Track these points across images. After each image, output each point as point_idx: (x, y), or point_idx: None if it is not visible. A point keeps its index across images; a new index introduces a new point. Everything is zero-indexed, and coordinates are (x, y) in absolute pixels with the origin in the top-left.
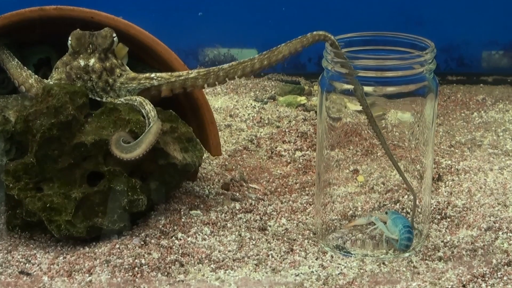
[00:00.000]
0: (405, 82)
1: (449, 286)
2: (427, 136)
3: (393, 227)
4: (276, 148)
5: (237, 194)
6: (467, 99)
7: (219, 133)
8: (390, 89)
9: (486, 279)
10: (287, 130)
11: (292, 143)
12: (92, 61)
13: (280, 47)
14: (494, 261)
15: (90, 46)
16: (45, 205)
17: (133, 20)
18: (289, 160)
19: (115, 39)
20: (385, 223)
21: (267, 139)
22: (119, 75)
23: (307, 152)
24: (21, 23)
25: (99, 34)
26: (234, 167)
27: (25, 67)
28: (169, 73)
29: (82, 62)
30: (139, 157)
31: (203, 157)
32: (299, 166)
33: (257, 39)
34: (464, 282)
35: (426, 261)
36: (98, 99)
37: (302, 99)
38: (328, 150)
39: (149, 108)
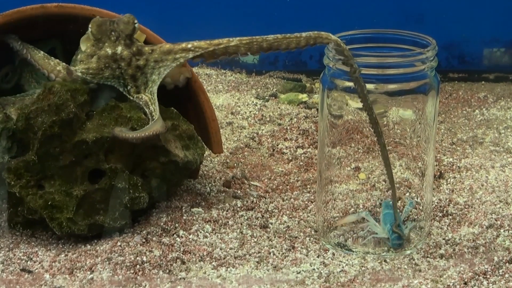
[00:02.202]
0: (406, 80)
1: (451, 284)
2: (429, 134)
3: (383, 225)
4: (277, 145)
5: (239, 191)
6: (468, 96)
7: (221, 130)
8: (392, 87)
9: (488, 276)
10: (288, 127)
11: (293, 141)
12: (119, 48)
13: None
14: (495, 258)
15: (113, 33)
16: (46, 203)
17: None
18: (290, 158)
19: (137, 25)
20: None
21: (268, 137)
22: (150, 51)
23: (308, 150)
24: (23, 21)
25: (121, 20)
26: (235, 164)
27: (52, 57)
28: (208, 42)
29: (109, 51)
30: (142, 138)
31: (205, 155)
32: (301, 163)
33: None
34: (466, 280)
35: (428, 259)
36: (121, 89)
37: (303, 97)
38: (330, 147)
39: (153, 108)
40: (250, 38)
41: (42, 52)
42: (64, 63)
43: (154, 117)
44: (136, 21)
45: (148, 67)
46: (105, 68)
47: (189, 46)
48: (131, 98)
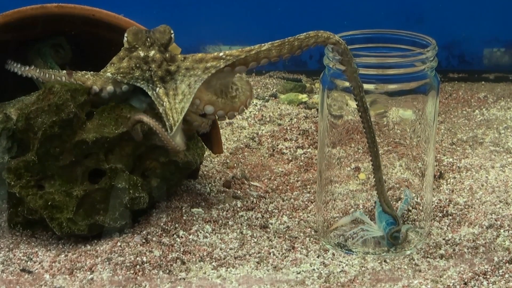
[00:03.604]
0: (406, 80)
1: (451, 284)
2: (429, 134)
3: (378, 223)
4: (277, 145)
5: (239, 192)
6: (468, 96)
7: (221, 131)
8: (392, 87)
9: (488, 276)
10: (288, 127)
11: (293, 141)
12: (152, 52)
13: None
14: (495, 258)
15: (148, 39)
16: (46, 203)
17: (134, 17)
18: (290, 158)
19: (173, 35)
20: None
21: (268, 137)
22: (182, 59)
23: (308, 150)
24: (23, 21)
25: (157, 30)
26: (235, 165)
27: (78, 71)
28: (239, 49)
29: (141, 53)
30: (161, 136)
31: (205, 155)
32: (301, 163)
33: (260, 36)
34: (466, 280)
35: (428, 259)
36: (149, 92)
37: (303, 97)
38: (330, 147)
39: (174, 118)
40: (282, 40)
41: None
42: (92, 72)
43: (172, 130)
44: (172, 32)
45: (179, 73)
46: (135, 68)
47: (221, 54)
48: (158, 104)
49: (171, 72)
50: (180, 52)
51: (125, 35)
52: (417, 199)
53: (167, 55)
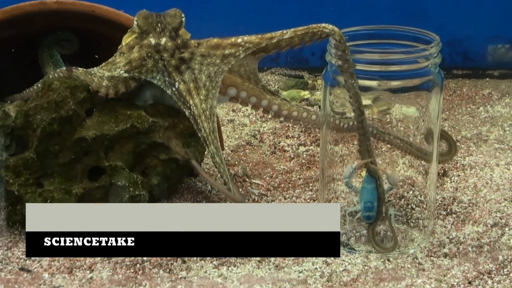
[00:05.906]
0: (410, 76)
1: (455, 283)
2: (433, 131)
3: (360, 198)
4: (279, 143)
5: (240, 190)
6: (473, 93)
7: (222, 128)
8: (395, 83)
9: (492, 275)
10: (290, 125)
11: (295, 138)
12: (163, 40)
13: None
14: (500, 257)
15: (159, 25)
16: (45, 201)
17: (134, 14)
18: (292, 155)
19: (184, 19)
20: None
21: (270, 134)
22: (196, 45)
23: (310, 147)
24: (22, 17)
25: (167, 14)
26: (237, 162)
27: (93, 72)
28: (259, 36)
29: (153, 41)
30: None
31: (205, 152)
32: (303, 161)
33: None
34: (470, 279)
35: (431, 258)
36: (168, 90)
37: (305, 94)
38: (332, 145)
39: (207, 127)
40: (306, 27)
41: (80, 68)
42: (107, 74)
43: (215, 158)
44: (183, 15)
45: (194, 61)
46: (147, 58)
47: (239, 41)
48: (182, 106)
49: (186, 60)
50: (189, 37)
51: (135, 19)
52: (420, 197)
53: (178, 41)
